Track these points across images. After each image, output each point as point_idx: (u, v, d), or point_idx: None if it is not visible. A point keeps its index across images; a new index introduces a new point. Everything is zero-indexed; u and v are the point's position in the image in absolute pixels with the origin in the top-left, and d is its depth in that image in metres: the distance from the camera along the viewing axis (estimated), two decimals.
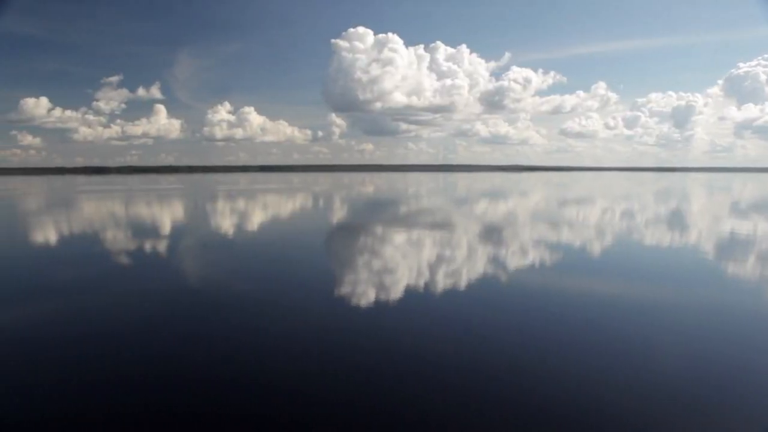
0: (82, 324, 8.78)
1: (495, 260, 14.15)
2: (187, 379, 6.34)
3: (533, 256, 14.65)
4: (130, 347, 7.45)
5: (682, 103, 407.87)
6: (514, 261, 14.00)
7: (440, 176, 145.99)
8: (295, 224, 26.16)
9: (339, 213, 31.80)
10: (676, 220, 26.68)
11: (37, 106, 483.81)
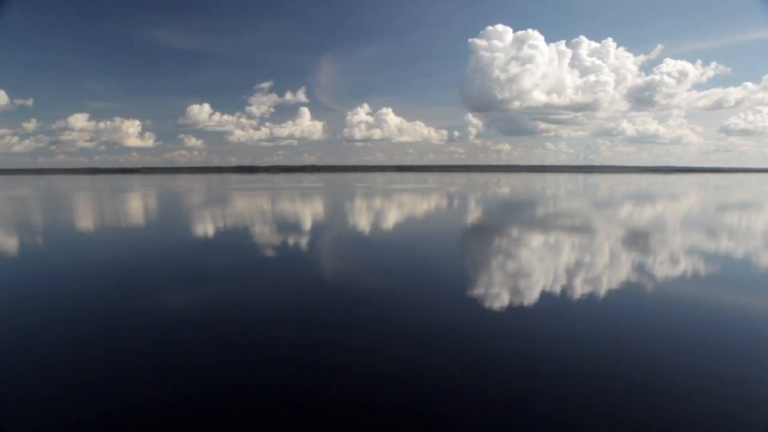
0: (227, 308, 9.69)
1: (637, 269, 13.23)
2: (313, 364, 6.83)
3: (683, 268, 13.35)
4: (260, 331, 8.26)
5: None
6: (659, 271, 12.96)
7: (580, 177, 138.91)
8: (429, 223, 26.41)
9: (473, 214, 31.67)
10: None
11: (201, 111, 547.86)
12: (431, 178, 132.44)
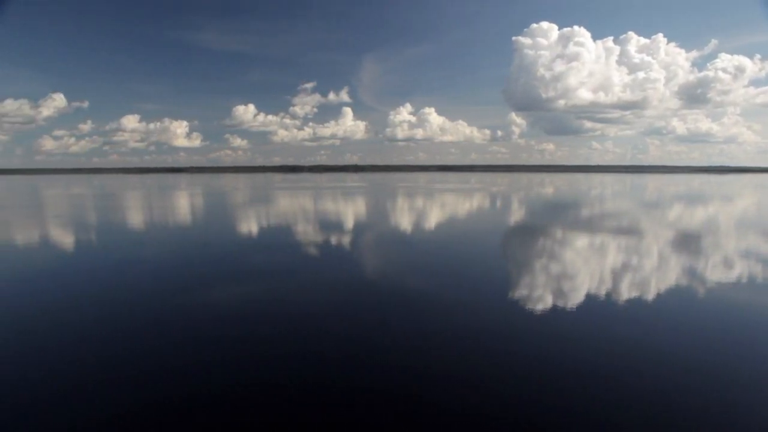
0: (269, 305, 10.00)
1: (685, 273, 12.92)
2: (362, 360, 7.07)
3: (733, 274, 12.90)
4: (302, 329, 8.44)
5: None
6: (709, 277, 12.57)
7: (627, 178, 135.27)
8: (470, 224, 26.21)
9: (514, 215, 31.24)
10: None
11: (246, 112, 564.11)
12: (474, 178, 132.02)
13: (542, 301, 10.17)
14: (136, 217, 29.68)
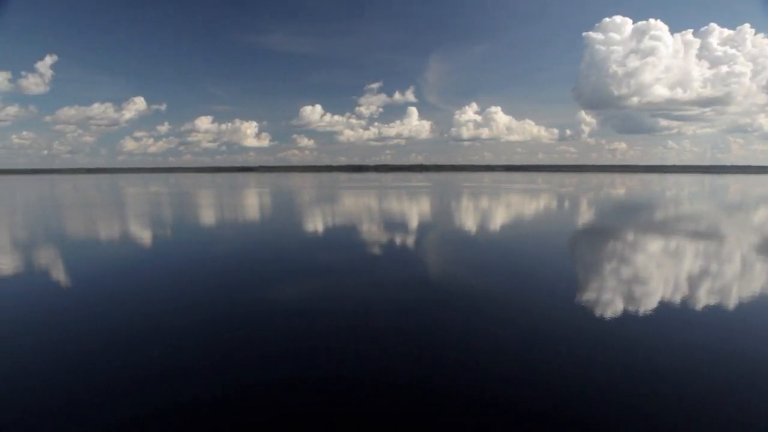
0: (332, 302, 10.25)
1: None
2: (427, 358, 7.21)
3: None
4: (367, 326, 8.69)
5: None
6: None
7: (706, 178, 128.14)
8: (535, 225, 25.72)
9: (582, 216, 30.53)
10: None
11: (313, 112, 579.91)
12: (540, 178, 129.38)
13: (610, 305, 10.03)
14: (206, 215, 31.32)
